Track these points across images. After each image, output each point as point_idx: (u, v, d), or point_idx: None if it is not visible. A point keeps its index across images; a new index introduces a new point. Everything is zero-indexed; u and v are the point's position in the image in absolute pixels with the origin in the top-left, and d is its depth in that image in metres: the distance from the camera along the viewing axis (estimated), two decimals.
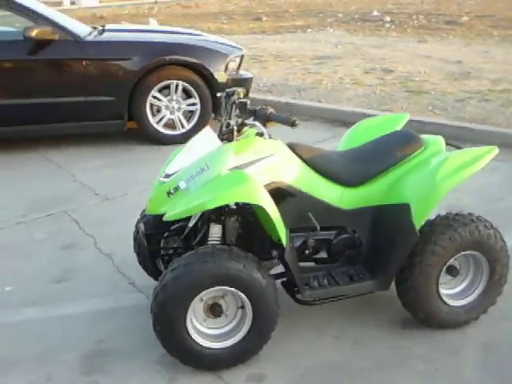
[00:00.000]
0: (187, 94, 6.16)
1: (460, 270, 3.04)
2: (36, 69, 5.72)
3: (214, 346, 2.73)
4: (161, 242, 3.12)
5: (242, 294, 2.65)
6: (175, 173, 2.85)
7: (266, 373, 2.76)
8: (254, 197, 2.60)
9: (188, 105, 6.19)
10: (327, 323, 3.10)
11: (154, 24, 17.00)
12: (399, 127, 3.39)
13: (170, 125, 6.21)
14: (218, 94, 3.01)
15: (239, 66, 6.51)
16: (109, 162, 5.69)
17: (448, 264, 2.93)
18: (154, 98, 6.06)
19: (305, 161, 2.96)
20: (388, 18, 15.54)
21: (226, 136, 2.87)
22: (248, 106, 2.77)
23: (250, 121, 2.77)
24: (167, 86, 6.08)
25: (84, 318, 3.22)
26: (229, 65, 6.30)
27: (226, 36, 14.06)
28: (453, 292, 3.07)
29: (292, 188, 2.86)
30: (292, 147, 2.97)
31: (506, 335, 3.00)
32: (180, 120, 6.19)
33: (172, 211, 2.70)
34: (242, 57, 6.58)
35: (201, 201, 2.62)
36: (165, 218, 2.76)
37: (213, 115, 6.34)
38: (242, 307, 2.72)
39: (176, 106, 6.15)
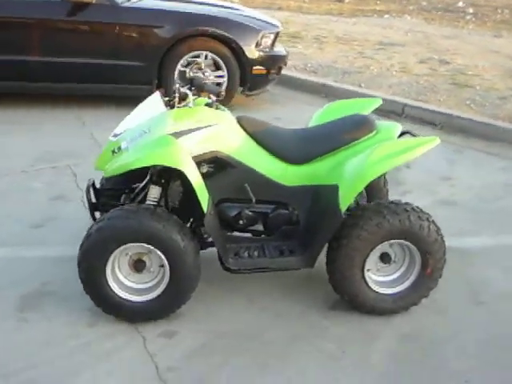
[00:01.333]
0: (216, 66, 6.26)
1: (395, 258, 3.03)
2: (71, 30, 5.99)
3: (132, 299, 2.87)
4: (110, 197, 3.26)
5: (159, 252, 2.77)
6: (122, 133, 2.99)
7: (179, 331, 2.88)
8: (173, 161, 2.70)
9: (216, 76, 6.29)
10: (260, 295, 3.17)
11: None
12: (368, 111, 3.38)
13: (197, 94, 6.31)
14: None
15: (273, 42, 6.54)
16: None
17: (376, 250, 2.93)
18: (184, 67, 6.19)
19: (250, 134, 3.03)
20: (471, 10, 14.98)
21: (172, 103, 2.97)
22: (188, 75, 2.86)
23: (184, 88, 2.85)
24: (197, 56, 6.19)
25: (43, 262, 3.41)
26: (262, 40, 6.34)
27: (301, 15, 14.11)
28: (385, 279, 3.07)
29: (231, 158, 2.94)
30: (239, 120, 3.04)
31: (430, 329, 2.98)
32: None
33: (108, 168, 2.86)
34: (277, 34, 6.61)
35: (126, 161, 2.75)
36: (103, 175, 2.91)
37: (240, 89, 6.44)
38: (163, 266, 2.84)
39: (204, 77, 6.24)
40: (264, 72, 6.37)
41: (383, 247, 2.97)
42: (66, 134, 5.54)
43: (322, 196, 2.98)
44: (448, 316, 3.09)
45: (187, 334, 2.86)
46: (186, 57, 6.16)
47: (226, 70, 6.24)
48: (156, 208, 2.81)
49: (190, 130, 2.87)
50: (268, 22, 6.63)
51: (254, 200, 3.00)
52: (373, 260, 3.00)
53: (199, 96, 2.92)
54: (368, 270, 2.99)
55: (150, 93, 6.04)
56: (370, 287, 2.99)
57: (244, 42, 6.20)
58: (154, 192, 2.96)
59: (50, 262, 3.43)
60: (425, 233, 2.89)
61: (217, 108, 2.99)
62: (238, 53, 6.20)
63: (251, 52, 6.24)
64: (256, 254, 3.01)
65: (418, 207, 2.95)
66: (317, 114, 3.48)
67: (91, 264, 2.77)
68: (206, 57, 6.18)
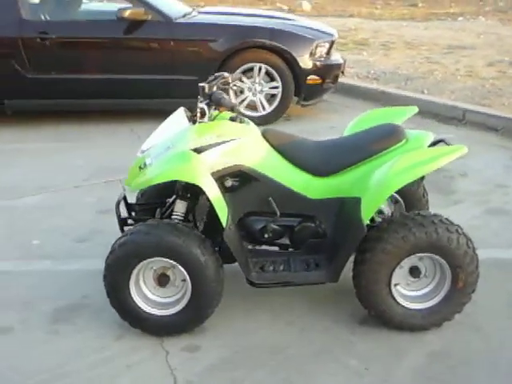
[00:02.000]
0: (270, 77, 6.28)
1: (425, 272, 2.93)
2: (127, 47, 6.18)
3: (156, 313, 2.90)
4: (143, 211, 3.32)
5: (180, 267, 2.80)
6: (148, 149, 3.05)
7: (202, 345, 2.88)
8: (190, 176, 2.73)
9: (270, 88, 6.32)
10: (286, 309, 3.14)
11: (306, 6, 17.21)
12: (403, 120, 3.30)
13: (252, 106, 6.39)
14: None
15: (329, 51, 6.49)
16: None
17: (403, 264, 2.84)
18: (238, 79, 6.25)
19: (274, 147, 3.02)
20: None
21: (194, 118, 3.00)
22: (206, 90, 2.87)
23: (202, 104, 2.87)
24: (251, 69, 6.24)
25: (84, 275, 3.51)
26: (316, 50, 6.31)
27: (373, 21, 13.94)
28: (415, 294, 2.96)
29: (255, 172, 2.93)
30: (264, 133, 3.04)
31: (462, 346, 2.85)
32: (261, 102, 6.35)
33: (133, 184, 2.92)
34: (333, 42, 6.56)
35: (148, 176, 2.81)
36: (129, 190, 2.98)
37: (296, 99, 6.43)
38: (185, 280, 2.86)
39: (258, 89, 6.32)
40: (319, 81, 6.33)
41: (412, 261, 2.88)
42: (120, 149, 5.67)
43: (346, 208, 2.92)
44: (483, 333, 2.95)
45: (210, 348, 2.86)
46: (239, 69, 6.20)
47: (280, 81, 6.26)
48: (177, 223, 2.84)
49: (213, 145, 2.87)
50: (322, 31, 6.59)
51: (278, 213, 2.97)
52: (401, 274, 2.91)
53: (221, 111, 2.92)
54: (396, 285, 2.90)
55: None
56: (397, 302, 2.89)
57: (297, 52, 6.19)
58: (180, 207, 2.99)
59: (90, 275, 3.50)
60: (454, 246, 2.77)
61: (241, 121, 2.98)
62: (291, 63, 6.21)
63: (305, 62, 6.22)
64: (281, 267, 2.99)
65: (446, 219, 2.83)
66: (351, 124, 3.42)
67: (115, 278, 2.83)
68: (259, 68, 6.21)
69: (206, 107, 2.84)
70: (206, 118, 2.92)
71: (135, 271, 2.83)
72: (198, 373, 2.70)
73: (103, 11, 6.46)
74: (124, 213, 3.20)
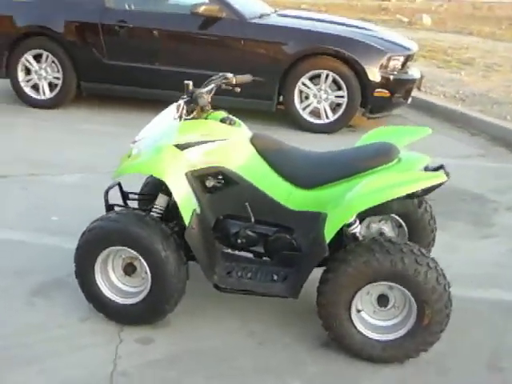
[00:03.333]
0: (337, 86, 6.17)
1: (395, 303, 2.76)
2: (197, 42, 6.29)
3: (117, 300, 2.95)
4: (141, 202, 3.36)
5: (142, 259, 2.82)
6: (139, 140, 3.10)
7: (156, 340, 2.89)
8: (157, 171, 2.76)
9: (336, 96, 6.20)
10: (256, 320, 3.06)
11: (426, 20, 16.70)
12: (412, 141, 3.14)
13: (316, 113, 6.31)
14: None
15: (404, 65, 6.27)
16: None
17: (367, 290, 2.71)
18: (304, 84, 6.20)
19: (259, 152, 2.97)
20: None
21: (180, 115, 3.00)
22: (190, 88, 2.87)
23: (181, 101, 2.87)
24: (318, 75, 6.16)
25: None
26: (389, 63, 6.12)
27: (490, 41, 13.29)
28: (380, 324, 2.80)
29: (235, 175, 2.90)
30: (252, 137, 2.99)
31: None
32: (325, 110, 6.25)
33: (114, 173, 2.99)
34: (409, 56, 6.32)
35: (122, 167, 2.86)
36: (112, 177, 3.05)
37: (363, 110, 6.27)
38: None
39: (324, 96, 6.22)
40: (387, 95, 6.13)
41: (381, 288, 2.72)
42: None
43: (318, 224, 2.82)
44: (448, 378, 2.73)
45: (162, 344, 2.86)
46: (307, 75, 6.15)
47: (346, 91, 6.12)
48: (145, 215, 2.86)
49: (195, 143, 2.87)
50: (399, 44, 6.38)
51: (253, 220, 2.92)
52: (368, 300, 2.77)
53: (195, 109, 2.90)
54: (359, 311, 2.76)
55: (270, 107, 6.20)
56: (357, 329, 2.75)
57: (367, 62, 6.03)
58: (161, 201, 3.01)
59: None
60: (420, 279, 2.59)
61: (231, 123, 2.95)
62: (360, 74, 6.05)
63: (374, 74, 6.05)
64: (248, 275, 2.93)
65: (420, 250, 2.65)
66: (360, 140, 3.29)
67: (82, 261, 2.91)
68: (326, 76, 6.11)
69: (182, 104, 2.84)
70: (192, 116, 2.91)
71: (101, 256, 2.89)
72: (138, 365, 2.71)
73: (179, 5, 6.59)
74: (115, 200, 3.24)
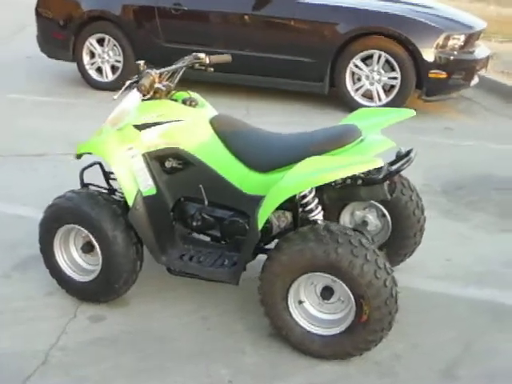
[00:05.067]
0: (390, 67, 5.88)
1: (340, 296, 2.61)
2: (250, 24, 6.22)
3: (74, 277, 3.01)
4: None
5: (92, 237, 2.86)
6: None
7: (107, 318, 2.92)
8: (99, 151, 2.78)
9: (389, 78, 5.92)
10: (212, 305, 3.01)
11: None
12: (391, 123, 2.95)
13: (368, 95, 6.07)
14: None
15: (465, 44, 5.84)
16: (293, 120, 5.87)
17: (314, 281, 2.60)
18: (356, 66, 5.97)
19: (217, 133, 2.90)
20: None
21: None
22: (141, 68, 2.85)
23: (130, 80, 2.84)
24: (370, 56, 5.91)
25: None
26: (447, 42, 5.74)
27: None
28: (324, 317, 2.65)
29: (190, 156, 2.86)
30: (212, 118, 2.93)
31: None
32: (378, 92, 5.99)
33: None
34: (472, 35, 5.88)
35: (78, 145, 2.91)
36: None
37: (420, 92, 5.94)
38: None
39: (376, 78, 5.97)
40: (443, 76, 5.77)
41: (326, 280, 2.57)
42: None
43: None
44: (390, 380, 2.54)
45: (112, 323, 2.88)
46: (358, 55, 5.92)
47: (399, 72, 5.82)
48: (98, 194, 2.88)
49: (152, 124, 2.85)
50: (459, 22, 5.95)
51: (206, 202, 2.87)
52: (312, 291, 2.63)
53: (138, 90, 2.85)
54: (301, 302, 2.63)
55: (322, 90, 6.04)
56: (295, 321, 2.62)
57: (421, 42, 5.70)
58: None
59: None
60: (356, 272, 2.42)
61: (191, 104, 2.90)
62: (413, 54, 5.72)
63: (429, 53, 5.71)
64: (201, 259, 2.88)
65: (361, 241, 2.47)
66: (342, 120, 3.13)
67: (42, 237, 3.00)
68: (379, 56, 5.84)
69: (127, 84, 2.82)
70: (149, 97, 2.88)
71: (59, 233, 2.96)
72: (80, 342, 2.75)
73: None
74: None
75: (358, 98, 6.06)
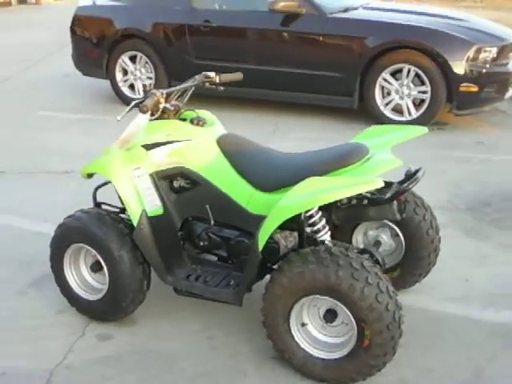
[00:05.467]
0: (420, 81, 5.79)
1: (344, 320, 2.56)
2: (276, 39, 6.22)
3: (83, 296, 3.04)
4: None
5: (99, 256, 2.88)
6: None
7: (115, 337, 2.92)
8: (105, 170, 2.82)
9: (419, 92, 5.83)
10: (221, 325, 3.00)
11: None
12: (403, 140, 2.90)
13: (398, 109, 5.98)
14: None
15: (497, 57, 5.71)
16: (323, 136, 5.81)
17: (317, 303, 2.56)
18: (385, 80, 5.90)
19: (224, 153, 2.90)
20: None
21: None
22: (147, 88, 2.86)
23: (134, 101, 2.85)
24: (400, 70, 5.84)
25: None
26: (478, 54, 5.62)
27: None
28: (327, 340, 2.60)
29: (197, 175, 2.86)
30: (220, 137, 2.93)
31: None
32: (408, 106, 5.90)
33: None
34: (504, 47, 5.74)
35: (83, 167, 2.95)
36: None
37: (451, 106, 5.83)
38: None
39: (406, 92, 5.87)
40: (475, 89, 5.64)
41: (329, 303, 2.52)
42: (258, 137, 5.72)
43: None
44: None
45: (119, 342, 2.89)
46: (387, 69, 5.85)
47: (429, 86, 5.72)
48: (107, 214, 2.91)
49: (160, 144, 2.87)
50: (491, 34, 5.81)
51: (212, 222, 2.87)
52: (315, 314, 2.59)
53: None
54: (304, 325, 2.59)
55: (352, 104, 5.99)
56: (297, 344, 2.58)
57: (451, 55, 5.59)
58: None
59: None
60: (356, 295, 2.37)
61: (199, 123, 2.90)
62: (443, 67, 5.62)
63: (459, 67, 5.60)
64: (207, 278, 2.86)
65: (362, 263, 2.42)
66: (354, 138, 3.09)
67: (52, 255, 3.04)
68: (408, 70, 5.76)
69: (132, 104, 2.83)
70: (156, 117, 2.90)
71: (68, 252, 2.99)
72: (85, 360, 2.77)
73: (258, 2, 6.53)
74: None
75: (387, 112, 5.97)
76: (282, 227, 2.80)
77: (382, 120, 5.95)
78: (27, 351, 2.85)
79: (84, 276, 3.07)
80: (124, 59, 6.93)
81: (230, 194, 2.83)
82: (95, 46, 7.04)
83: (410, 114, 5.90)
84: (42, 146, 5.68)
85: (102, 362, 2.76)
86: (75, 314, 3.09)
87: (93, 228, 2.84)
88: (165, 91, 2.88)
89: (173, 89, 2.96)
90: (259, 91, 6.39)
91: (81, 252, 3.02)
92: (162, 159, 2.85)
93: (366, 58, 5.87)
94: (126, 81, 7.05)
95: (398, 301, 2.42)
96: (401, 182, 2.74)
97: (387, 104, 5.97)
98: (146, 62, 6.85)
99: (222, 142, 2.89)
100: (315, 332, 2.61)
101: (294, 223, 2.69)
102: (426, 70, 5.68)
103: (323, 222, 2.72)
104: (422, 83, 5.78)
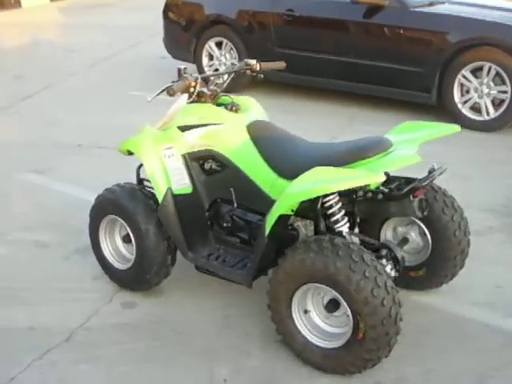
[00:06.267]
0: (501, 80, 5.57)
1: (346, 310, 2.58)
2: (357, 30, 6.16)
3: (115, 265, 3.23)
4: None
5: (128, 228, 3.06)
6: None
7: (137, 306, 3.11)
8: (135, 148, 2.99)
9: (499, 91, 5.60)
10: (239, 306, 3.10)
11: None
12: (432, 137, 2.88)
13: (476, 109, 5.77)
14: None
15: None
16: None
17: (321, 291, 2.60)
18: (464, 77, 5.72)
19: (252, 138, 2.99)
20: None
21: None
22: (181, 73, 2.98)
23: (166, 85, 2.97)
24: (480, 68, 5.63)
25: None
26: None
27: None
28: (328, 330, 2.64)
29: (225, 158, 2.97)
30: (250, 123, 3.01)
31: None
32: (486, 106, 5.69)
33: None
34: None
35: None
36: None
37: None
38: None
39: (486, 91, 5.66)
40: None
41: (331, 292, 2.56)
42: (328, 128, 5.77)
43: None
44: None
45: (140, 311, 3.07)
46: (468, 66, 5.66)
47: (509, 86, 5.49)
48: (139, 190, 3.08)
49: (194, 126, 2.99)
50: None
51: (235, 205, 2.97)
52: (319, 302, 2.64)
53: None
54: (307, 312, 2.64)
55: (429, 100, 5.86)
56: (298, 330, 2.63)
57: None
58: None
59: None
60: (352, 287, 2.39)
61: (232, 109, 3.00)
62: None
63: None
64: (227, 258, 2.97)
65: (363, 256, 2.43)
66: (387, 133, 3.08)
67: (90, 226, 3.26)
68: (489, 69, 5.55)
69: (164, 87, 2.95)
70: (192, 100, 3.02)
71: (104, 222, 3.19)
72: (105, 324, 2.97)
73: None
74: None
75: (465, 110, 5.78)
76: (304, 216, 2.87)
77: (458, 118, 5.75)
78: (57, 311, 3.08)
79: (117, 246, 3.25)
80: (210, 45, 7.10)
81: (254, 178, 2.90)
82: (185, 30, 7.26)
83: (488, 113, 5.67)
84: (123, 123, 5.95)
85: (120, 328, 2.94)
86: (108, 281, 3.28)
87: (124, 201, 3.01)
88: (200, 76, 2.98)
89: (209, 73, 3.06)
90: (337, 82, 6.37)
91: (116, 223, 3.20)
92: (195, 141, 2.96)
93: (446, 54, 5.69)
94: (211, 65, 7.22)
95: (396, 298, 2.41)
96: (422, 179, 2.71)
97: (465, 102, 5.77)
98: (231, 49, 6.98)
99: (251, 128, 2.97)
100: (317, 320, 2.65)
101: (312, 212, 2.73)
102: (507, 69, 5.44)
103: (342, 213, 2.74)
104: (503, 82, 5.53)
